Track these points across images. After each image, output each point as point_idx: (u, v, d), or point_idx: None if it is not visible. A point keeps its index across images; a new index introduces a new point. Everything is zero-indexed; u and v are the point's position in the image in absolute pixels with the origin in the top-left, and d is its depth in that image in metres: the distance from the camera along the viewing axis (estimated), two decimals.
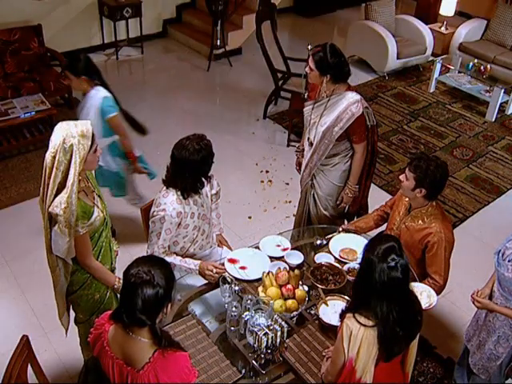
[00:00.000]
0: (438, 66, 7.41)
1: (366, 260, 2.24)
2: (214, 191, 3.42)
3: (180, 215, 3.07)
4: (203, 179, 3.11)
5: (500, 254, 2.84)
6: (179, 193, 3.07)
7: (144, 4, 7.73)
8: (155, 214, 3.09)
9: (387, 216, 3.58)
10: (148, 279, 2.02)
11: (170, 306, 2.15)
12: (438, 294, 3.15)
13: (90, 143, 2.57)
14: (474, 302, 3.00)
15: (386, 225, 3.54)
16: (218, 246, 3.57)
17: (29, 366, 2.64)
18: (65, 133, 2.53)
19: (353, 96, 3.62)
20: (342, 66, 3.58)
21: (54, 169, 2.53)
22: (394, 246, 2.22)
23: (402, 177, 3.19)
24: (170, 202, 3.06)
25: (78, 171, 2.54)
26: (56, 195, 2.56)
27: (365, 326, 2.23)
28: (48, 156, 2.54)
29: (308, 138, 3.87)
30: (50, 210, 2.57)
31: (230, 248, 3.57)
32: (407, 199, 3.29)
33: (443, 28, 8.42)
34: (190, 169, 3.01)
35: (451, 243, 3.17)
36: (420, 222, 3.19)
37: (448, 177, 3.21)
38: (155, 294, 2.03)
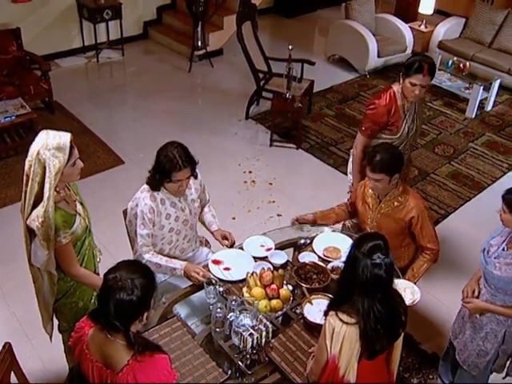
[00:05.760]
0: None
1: (352, 256, 2.26)
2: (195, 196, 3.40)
3: (152, 211, 3.08)
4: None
5: (485, 252, 2.87)
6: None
7: (124, 6, 7.68)
8: (129, 210, 3.14)
9: (350, 214, 3.69)
10: (123, 286, 2.02)
11: (146, 314, 2.14)
12: (436, 260, 3.36)
13: (66, 157, 2.53)
14: (465, 306, 3.03)
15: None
16: (223, 239, 3.45)
17: (12, 374, 2.62)
18: (41, 144, 2.49)
19: None
20: None
21: (30, 180, 2.51)
22: (381, 244, 2.24)
23: (372, 183, 3.28)
24: (143, 197, 3.09)
25: (53, 185, 2.50)
26: (34, 207, 2.54)
27: (347, 323, 2.24)
28: (27, 163, 2.53)
29: (406, 151, 3.92)
30: (27, 222, 2.56)
31: (227, 237, 3.45)
32: (371, 191, 3.40)
33: (423, 26, 8.48)
34: (158, 167, 3.04)
35: (428, 209, 3.40)
36: (396, 203, 3.31)
37: (397, 147, 3.47)
38: (128, 302, 2.02)
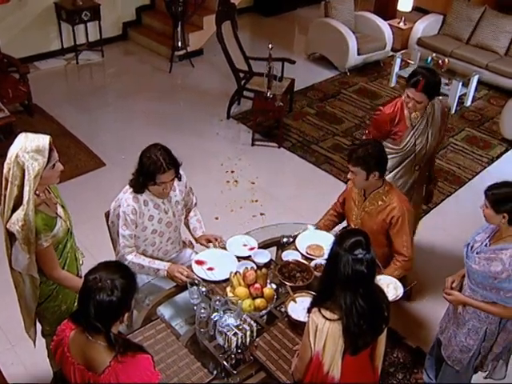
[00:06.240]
0: (398, 60, 7.51)
1: (333, 252, 2.27)
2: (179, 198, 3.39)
3: (135, 212, 3.06)
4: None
5: (469, 247, 2.90)
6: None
7: (102, 7, 7.62)
8: (111, 211, 3.13)
9: (339, 216, 3.66)
10: (102, 286, 2.02)
11: (126, 315, 2.13)
12: (409, 269, 3.29)
13: (46, 159, 2.50)
14: (445, 297, 3.05)
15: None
16: (208, 242, 3.43)
17: None
18: (20, 146, 2.47)
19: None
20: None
21: (10, 183, 2.49)
22: (362, 240, 2.25)
23: (350, 175, 3.25)
24: (125, 198, 3.08)
25: (32, 188, 2.48)
26: (14, 210, 2.52)
27: (330, 319, 2.25)
28: (5, 166, 2.51)
29: (416, 166, 3.80)
30: (7, 226, 2.54)
31: (211, 240, 3.43)
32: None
33: (402, 23, 8.56)
34: (141, 169, 3.01)
35: (412, 213, 3.34)
36: (380, 202, 3.29)
37: (384, 148, 3.31)
38: (108, 302, 2.01)
